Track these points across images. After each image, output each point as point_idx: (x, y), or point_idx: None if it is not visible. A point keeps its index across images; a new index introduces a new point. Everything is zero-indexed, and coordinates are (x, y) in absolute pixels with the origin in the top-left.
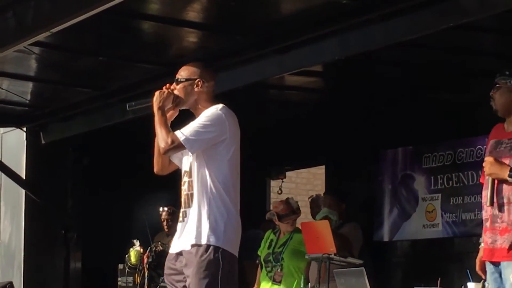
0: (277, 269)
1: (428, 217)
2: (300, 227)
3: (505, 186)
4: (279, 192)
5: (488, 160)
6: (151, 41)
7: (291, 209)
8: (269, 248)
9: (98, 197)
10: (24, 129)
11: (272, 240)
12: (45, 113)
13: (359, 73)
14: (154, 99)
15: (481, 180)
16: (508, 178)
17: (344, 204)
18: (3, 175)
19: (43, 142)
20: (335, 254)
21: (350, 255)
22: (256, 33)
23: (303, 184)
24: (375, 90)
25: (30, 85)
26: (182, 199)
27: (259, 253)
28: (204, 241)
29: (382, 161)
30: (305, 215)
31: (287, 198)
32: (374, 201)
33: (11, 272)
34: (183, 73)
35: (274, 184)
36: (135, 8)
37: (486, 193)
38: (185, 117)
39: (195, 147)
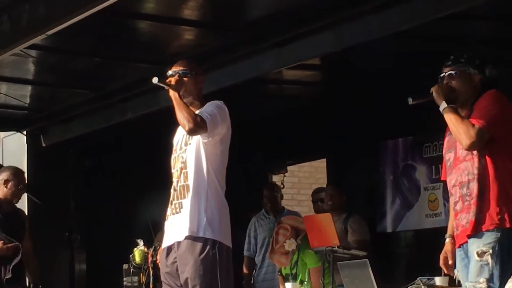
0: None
1: (430, 207)
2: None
3: (467, 164)
4: (282, 186)
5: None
6: (147, 40)
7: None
8: (285, 268)
9: (100, 197)
10: (25, 132)
11: None
12: (44, 116)
13: (356, 64)
14: (174, 81)
15: (442, 178)
16: (441, 107)
17: (345, 196)
18: None
19: (43, 145)
20: (338, 247)
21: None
22: (252, 28)
23: (305, 178)
24: (373, 81)
25: (28, 88)
26: (176, 190)
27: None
28: (200, 233)
29: (383, 152)
30: (308, 209)
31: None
32: (376, 192)
33: None
34: (187, 66)
35: (276, 179)
36: (130, 8)
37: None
38: None
39: (211, 131)
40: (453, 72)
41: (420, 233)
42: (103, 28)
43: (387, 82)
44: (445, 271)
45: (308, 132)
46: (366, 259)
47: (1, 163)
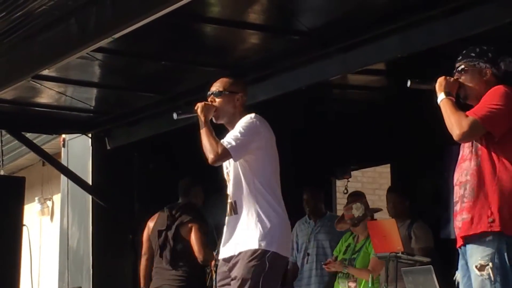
0: (350, 278)
1: None
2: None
3: (467, 163)
4: (345, 192)
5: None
6: (213, 44)
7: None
8: (345, 253)
9: (164, 200)
10: (89, 135)
11: (349, 244)
12: (109, 118)
13: (422, 69)
14: (199, 110)
15: None
16: (439, 98)
17: (408, 201)
18: (69, 182)
19: (108, 147)
20: (402, 253)
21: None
22: (318, 33)
23: (369, 183)
24: None
25: (94, 91)
26: (228, 207)
27: (335, 253)
28: (255, 246)
29: (447, 157)
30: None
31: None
32: (440, 198)
33: (80, 278)
34: (223, 86)
35: (339, 184)
36: (196, 12)
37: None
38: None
39: (239, 155)
40: (462, 67)
41: None
42: (169, 31)
43: None
44: None
45: (372, 137)
46: (431, 266)
47: (66, 165)
